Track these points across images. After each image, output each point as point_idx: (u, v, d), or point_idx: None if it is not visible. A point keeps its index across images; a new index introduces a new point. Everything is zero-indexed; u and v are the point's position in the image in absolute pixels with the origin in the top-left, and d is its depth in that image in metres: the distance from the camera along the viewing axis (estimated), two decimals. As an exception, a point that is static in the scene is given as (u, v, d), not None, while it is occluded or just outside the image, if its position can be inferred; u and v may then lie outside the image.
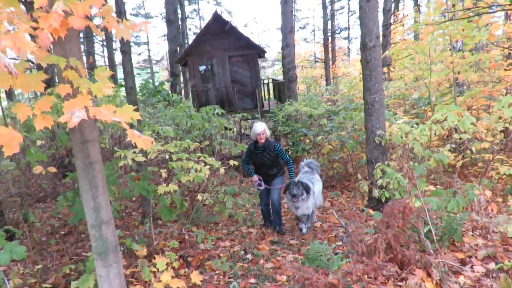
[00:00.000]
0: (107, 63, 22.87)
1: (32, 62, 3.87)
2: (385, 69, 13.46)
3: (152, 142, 1.87)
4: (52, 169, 3.12)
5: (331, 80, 17.10)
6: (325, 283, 2.57)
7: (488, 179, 6.69)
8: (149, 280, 2.87)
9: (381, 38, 14.63)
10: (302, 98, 12.11)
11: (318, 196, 5.39)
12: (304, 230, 5.05)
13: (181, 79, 21.28)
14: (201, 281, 3.25)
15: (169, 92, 14.04)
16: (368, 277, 3.17)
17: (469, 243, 4.11)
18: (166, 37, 18.09)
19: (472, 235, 4.28)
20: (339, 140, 7.67)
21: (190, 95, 13.56)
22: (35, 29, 1.70)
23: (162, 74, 43.20)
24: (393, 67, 13.46)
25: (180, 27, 21.01)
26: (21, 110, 1.78)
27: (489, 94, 7.81)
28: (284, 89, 12.09)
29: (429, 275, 3.26)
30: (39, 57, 1.77)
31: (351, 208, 5.87)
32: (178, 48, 19.60)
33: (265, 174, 5.23)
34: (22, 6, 2.03)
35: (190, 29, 35.50)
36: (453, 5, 7.30)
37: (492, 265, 3.40)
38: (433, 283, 3.14)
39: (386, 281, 3.21)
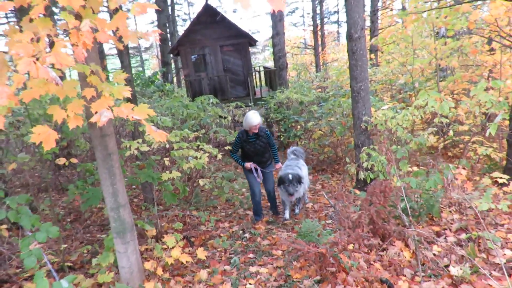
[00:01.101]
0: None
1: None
2: (372, 56, 13.80)
3: (166, 136, 2.22)
4: (74, 160, 3.45)
5: (321, 67, 17.41)
6: (315, 253, 2.98)
7: (466, 159, 7.18)
8: (160, 255, 3.25)
9: (368, 24, 14.89)
10: (293, 85, 12.43)
11: (305, 179, 5.72)
12: (297, 211, 5.43)
13: (173, 67, 21.36)
14: (205, 256, 3.65)
15: (163, 82, 14.22)
16: (353, 248, 3.61)
17: (446, 218, 4.57)
18: (154, 23, 18.11)
19: (449, 211, 4.74)
20: (328, 126, 8.06)
21: (183, 84, 13.76)
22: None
23: (152, 62, 42.92)
24: (381, 52, 13.79)
25: (170, 17, 20.97)
26: (56, 112, 2.11)
27: (470, 78, 8.24)
28: (275, 77, 12.39)
29: (407, 245, 3.70)
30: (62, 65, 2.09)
31: (339, 189, 6.28)
32: (168, 36, 19.65)
33: (257, 162, 5.13)
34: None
35: (178, 15, 35.27)
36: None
37: (463, 236, 3.85)
38: (409, 252, 3.58)
39: (369, 251, 3.65)
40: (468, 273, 3.00)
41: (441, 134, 7.54)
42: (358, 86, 5.90)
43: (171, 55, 15.70)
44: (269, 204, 5.60)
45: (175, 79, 22.35)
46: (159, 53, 23.68)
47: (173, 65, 21.53)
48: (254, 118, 4.82)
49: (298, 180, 5.06)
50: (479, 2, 8.21)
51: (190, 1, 36.95)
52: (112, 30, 2.05)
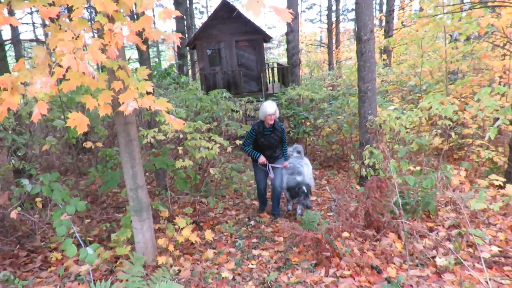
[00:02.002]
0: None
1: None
2: (385, 56, 13.90)
3: (183, 124, 2.53)
4: (99, 144, 3.81)
5: (334, 65, 17.53)
6: (311, 238, 3.27)
7: (471, 162, 7.35)
8: (172, 235, 3.59)
9: (383, 24, 14.89)
10: (305, 82, 12.65)
11: (310, 178, 5.65)
12: (299, 211, 5.21)
13: (188, 60, 21.73)
14: (212, 238, 3.98)
15: (178, 74, 14.59)
16: (349, 236, 3.89)
17: (442, 216, 4.81)
18: (173, 18, 18.50)
19: (446, 210, 4.98)
20: (336, 124, 8.30)
21: (198, 77, 14.09)
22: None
23: (168, 54, 43.45)
24: (394, 54, 13.88)
25: (188, 8, 21.31)
26: (89, 101, 2.44)
27: (479, 83, 8.36)
28: (287, 74, 12.63)
29: (399, 237, 3.97)
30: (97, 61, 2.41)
31: (343, 185, 6.54)
32: (185, 29, 20.00)
33: (269, 157, 5.05)
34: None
35: (196, 8, 35.61)
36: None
37: (454, 232, 4.09)
38: (401, 243, 3.85)
39: (364, 241, 3.93)
40: (452, 264, 3.26)
41: (446, 136, 7.71)
42: (365, 87, 6.13)
43: (187, 48, 16.07)
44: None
45: (190, 72, 22.73)
46: (176, 45, 24.10)
47: (188, 58, 21.92)
48: (270, 106, 4.72)
49: (310, 190, 4.94)
50: (490, 8, 8.28)
51: (208, -5, 37.23)
52: (138, 31, 2.36)
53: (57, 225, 2.74)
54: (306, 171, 5.47)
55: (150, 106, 2.46)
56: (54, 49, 2.46)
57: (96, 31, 2.67)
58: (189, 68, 22.52)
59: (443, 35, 9.02)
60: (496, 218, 4.69)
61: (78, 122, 2.40)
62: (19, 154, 4.21)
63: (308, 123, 9.85)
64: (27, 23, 17.13)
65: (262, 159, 4.94)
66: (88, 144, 3.79)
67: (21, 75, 2.37)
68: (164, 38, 2.61)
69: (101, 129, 6.40)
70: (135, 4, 2.26)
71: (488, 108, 5.76)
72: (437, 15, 7.36)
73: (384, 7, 15.40)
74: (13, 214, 2.73)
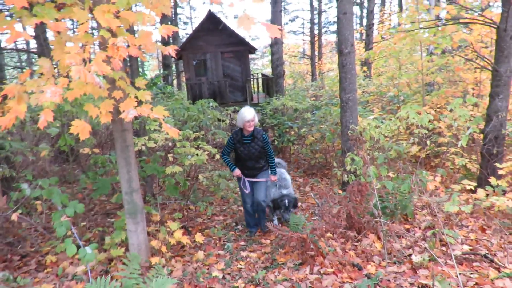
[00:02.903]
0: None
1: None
2: (365, 68, 14.42)
3: (178, 133, 2.73)
4: (96, 150, 3.96)
5: (317, 76, 18.03)
6: (297, 238, 3.50)
7: (446, 169, 7.76)
8: (164, 237, 3.75)
9: (364, 37, 15.47)
10: (289, 93, 13.01)
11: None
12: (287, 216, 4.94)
13: (173, 70, 21.89)
14: (202, 241, 4.16)
15: (164, 84, 14.73)
16: (332, 236, 4.13)
17: (419, 219, 5.11)
18: (156, 26, 18.67)
19: (423, 214, 5.29)
20: (320, 133, 8.61)
21: (184, 87, 14.27)
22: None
23: (152, 63, 43.42)
24: (374, 66, 14.42)
25: (173, 19, 21.56)
26: (91, 109, 2.62)
27: (453, 94, 8.84)
28: (272, 84, 12.96)
29: (379, 238, 4.23)
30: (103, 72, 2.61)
31: (327, 190, 6.80)
32: (170, 39, 20.18)
33: (251, 168, 4.61)
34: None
35: (180, 19, 35.89)
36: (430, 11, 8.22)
37: (429, 233, 4.38)
38: (381, 243, 4.11)
39: (346, 241, 4.18)
40: (426, 260, 3.53)
41: (423, 145, 8.12)
42: (347, 97, 6.46)
43: (173, 59, 16.25)
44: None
45: (175, 82, 22.87)
46: (160, 55, 24.22)
47: (173, 68, 22.08)
48: (248, 112, 4.35)
49: (295, 204, 4.81)
50: (462, 24, 8.80)
51: (192, 5, 37.59)
52: (139, 45, 2.57)
53: (57, 226, 2.88)
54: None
55: (148, 114, 2.65)
56: (58, 61, 2.66)
57: (97, 44, 2.86)
58: (174, 78, 22.66)
59: (420, 48, 9.53)
60: (468, 221, 5.02)
61: (80, 129, 2.58)
62: (14, 159, 4.29)
63: (292, 132, 10.14)
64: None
65: (236, 172, 4.58)
66: (85, 150, 3.93)
67: (28, 84, 2.55)
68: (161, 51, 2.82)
69: (90, 138, 6.50)
70: (139, 21, 2.46)
71: (461, 117, 6.17)
72: (413, 30, 7.80)
73: (365, 21, 16.00)
74: (14, 217, 2.86)
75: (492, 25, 6.08)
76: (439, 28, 7.74)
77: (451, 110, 6.41)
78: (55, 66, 2.82)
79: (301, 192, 7.34)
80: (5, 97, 2.52)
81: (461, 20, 7.09)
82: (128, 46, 2.52)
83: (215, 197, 6.71)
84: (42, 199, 3.34)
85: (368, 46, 15.23)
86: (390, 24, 19.32)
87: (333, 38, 33.97)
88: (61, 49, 2.58)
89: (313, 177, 8.61)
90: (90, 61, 2.42)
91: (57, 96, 2.28)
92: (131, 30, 6.17)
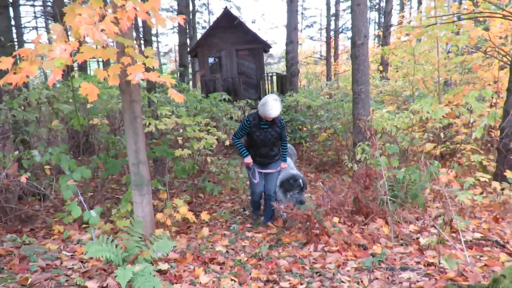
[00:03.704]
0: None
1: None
2: (381, 68, 14.29)
3: (184, 99, 2.76)
4: (105, 121, 4.04)
5: (332, 77, 17.96)
6: (302, 215, 3.47)
7: (460, 166, 7.58)
8: (170, 211, 3.77)
9: (381, 38, 15.33)
10: (302, 91, 12.99)
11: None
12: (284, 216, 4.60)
13: (189, 71, 22.14)
14: (208, 220, 4.16)
15: (179, 80, 14.94)
16: (339, 222, 4.08)
17: (430, 212, 5.01)
18: (175, 30, 19.01)
19: (436, 207, 5.18)
20: (332, 129, 8.56)
21: (198, 85, 14.43)
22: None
23: (169, 66, 44.11)
24: (390, 67, 14.27)
25: (191, 20, 21.87)
26: (100, 73, 2.68)
27: (470, 92, 8.65)
28: (286, 83, 12.97)
29: (387, 223, 4.15)
30: (113, 37, 2.67)
31: (338, 181, 6.73)
32: (187, 41, 20.47)
33: (264, 156, 4.34)
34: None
35: (199, 23, 36.34)
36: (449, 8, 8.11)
37: (439, 220, 4.28)
38: (388, 228, 4.03)
39: (353, 225, 4.12)
40: (434, 242, 3.45)
41: (438, 141, 7.96)
42: (359, 89, 6.40)
43: (189, 59, 16.47)
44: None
45: (191, 83, 23.12)
46: (177, 57, 24.59)
47: (190, 69, 22.34)
48: (274, 107, 3.96)
49: (305, 184, 4.48)
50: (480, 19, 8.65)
51: (211, 9, 38.02)
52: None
53: (63, 189, 2.94)
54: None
55: (155, 80, 2.70)
56: (70, 26, 2.73)
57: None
58: (190, 79, 22.92)
59: (437, 45, 9.39)
60: (482, 214, 4.89)
61: (89, 91, 2.64)
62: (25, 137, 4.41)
63: (304, 129, 10.11)
64: (31, 28, 17.62)
65: (248, 160, 4.32)
66: (95, 121, 4.02)
67: (39, 47, 2.62)
68: (167, 19, 2.87)
69: (103, 124, 6.64)
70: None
71: (476, 110, 6.03)
72: (430, 25, 7.69)
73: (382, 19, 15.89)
74: (23, 179, 2.94)
75: (509, 17, 5.96)
76: (455, 26, 7.61)
77: (466, 103, 6.28)
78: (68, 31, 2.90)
79: (311, 186, 7.29)
80: (18, 58, 2.61)
81: (479, 15, 6.96)
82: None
83: (225, 186, 6.70)
84: (51, 164, 3.43)
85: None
86: (408, 23, 19.11)
87: (349, 43, 33.86)
88: (74, 16, 2.66)
89: (325, 173, 8.55)
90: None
91: (67, 53, 2.34)
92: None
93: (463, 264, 2.95)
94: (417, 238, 3.68)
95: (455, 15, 7.56)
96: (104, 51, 2.64)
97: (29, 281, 2.51)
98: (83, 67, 11.19)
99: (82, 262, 2.87)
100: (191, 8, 24.20)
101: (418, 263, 3.14)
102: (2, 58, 2.54)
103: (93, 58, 2.66)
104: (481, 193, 5.49)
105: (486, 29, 7.86)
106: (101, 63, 16.23)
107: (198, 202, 5.69)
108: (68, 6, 2.79)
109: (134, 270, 2.40)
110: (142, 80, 2.68)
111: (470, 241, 3.68)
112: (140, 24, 10.78)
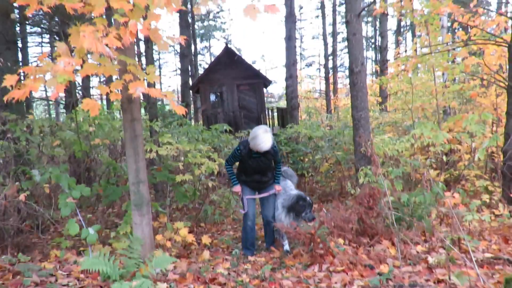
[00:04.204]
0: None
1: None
2: (380, 99, 14.51)
3: (186, 112, 2.80)
4: (106, 141, 4.05)
5: (332, 110, 18.22)
6: (305, 233, 3.38)
7: (464, 191, 7.47)
8: (170, 233, 3.69)
9: (378, 73, 15.69)
10: (303, 123, 13.13)
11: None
12: (287, 247, 4.26)
13: (191, 107, 22.52)
14: (209, 248, 4.06)
15: (183, 116, 15.15)
16: (344, 243, 3.96)
17: (438, 236, 4.87)
18: (178, 71, 19.58)
19: (441, 231, 5.04)
20: (334, 158, 8.55)
21: (200, 119, 14.63)
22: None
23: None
24: (390, 100, 14.50)
25: (193, 61, 22.57)
26: (102, 89, 2.73)
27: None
28: (287, 116, 13.14)
29: (393, 244, 4.03)
30: (116, 55, 2.74)
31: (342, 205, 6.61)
32: (190, 80, 21.03)
33: (257, 182, 4.23)
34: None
35: (201, 64, 37.46)
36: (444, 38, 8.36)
37: (447, 240, 4.15)
38: (395, 249, 3.91)
39: (358, 247, 3.99)
40: (443, 260, 3.32)
41: (441, 167, 7.91)
42: (359, 115, 6.47)
43: (191, 96, 16.83)
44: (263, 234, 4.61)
45: (193, 119, 23.44)
46: (180, 97, 25.14)
47: (191, 106, 22.74)
48: (265, 140, 3.83)
49: (312, 203, 4.30)
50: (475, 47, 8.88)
51: (212, 52, 39.33)
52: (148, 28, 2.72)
53: (62, 206, 2.90)
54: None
55: (156, 95, 2.74)
56: (74, 47, 2.82)
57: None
58: (192, 117, 23.29)
59: (436, 75, 9.59)
60: (491, 236, 4.75)
61: (91, 106, 2.68)
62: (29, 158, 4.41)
63: (306, 159, 10.10)
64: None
65: (236, 188, 4.24)
66: (96, 141, 4.03)
67: (45, 66, 2.70)
68: (168, 38, 2.96)
69: (104, 155, 6.65)
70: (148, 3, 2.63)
71: (477, 133, 6.05)
72: (425, 55, 7.90)
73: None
74: (22, 197, 2.90)
75: (503, 44, 6.15)
76: (450, 55, 7.82)
77: (465, 128, 6.31)
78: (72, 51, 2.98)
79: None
80: (22, 76, 2.68)
81: (470, 42, 7.17)
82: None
83: (228, 217, 6.57)
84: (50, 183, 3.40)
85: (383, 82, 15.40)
86: (405, 55, 19.62)
87: (347, 81, 34.68)
88: (78, 35, 2.76)
89: (328, 203, 8.42)
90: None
91: (70, 67, 2.40)
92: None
93: (475, 280, 2.83)
94: (425, 258, 3.55)
95: (453, 42, 7.79)
96: (106, 68, 2.71)
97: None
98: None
99: (78, 280, 2.77)
100: (193, 49, 25.09)
101: (427, 280, 3.02)
102: (7, 76, 2.61)
103: (96, 75, 2.72)
104: (489, 217, 5.37)
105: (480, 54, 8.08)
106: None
107: (199, 231, 5.56)
108: (73, 27, 2.90)
109: (131, 285, 2.31)
110: (143, 100, 2.72)
111: (481, 260, 3.55)
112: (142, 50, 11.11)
